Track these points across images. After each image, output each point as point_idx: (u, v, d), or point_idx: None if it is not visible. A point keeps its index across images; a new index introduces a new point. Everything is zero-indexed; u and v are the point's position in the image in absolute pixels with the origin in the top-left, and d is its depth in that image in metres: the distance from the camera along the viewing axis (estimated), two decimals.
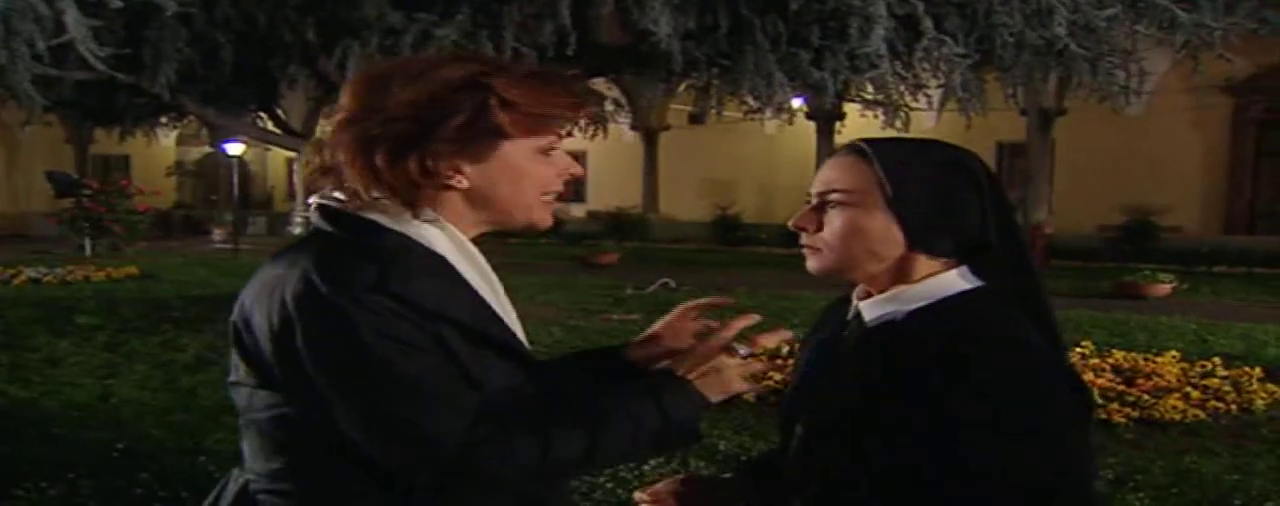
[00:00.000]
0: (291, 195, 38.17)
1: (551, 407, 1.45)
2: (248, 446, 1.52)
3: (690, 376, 1.52)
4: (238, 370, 1.49)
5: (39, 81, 9.34)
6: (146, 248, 23.71)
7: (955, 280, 1.51)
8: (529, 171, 1.51)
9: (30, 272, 16.81)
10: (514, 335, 1.51)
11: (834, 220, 1.52)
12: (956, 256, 1.52)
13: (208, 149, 35.02)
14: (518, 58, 9.78)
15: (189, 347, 9.50)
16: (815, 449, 1.54)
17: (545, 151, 1.52)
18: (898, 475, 1.41)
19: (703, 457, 5.58)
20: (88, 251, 22.38)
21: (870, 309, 1.56)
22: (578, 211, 31.41)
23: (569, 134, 1.57)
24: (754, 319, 1.64)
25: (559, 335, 10.16)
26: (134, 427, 6.40)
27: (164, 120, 15.44)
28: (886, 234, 1.49)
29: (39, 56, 8.70)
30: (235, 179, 28.54)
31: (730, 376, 1.54)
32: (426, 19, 9.47)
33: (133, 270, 17.95)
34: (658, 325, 1.75)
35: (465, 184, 1.48)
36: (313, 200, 1.52)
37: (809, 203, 1.57)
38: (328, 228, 1.48)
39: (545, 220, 1.57)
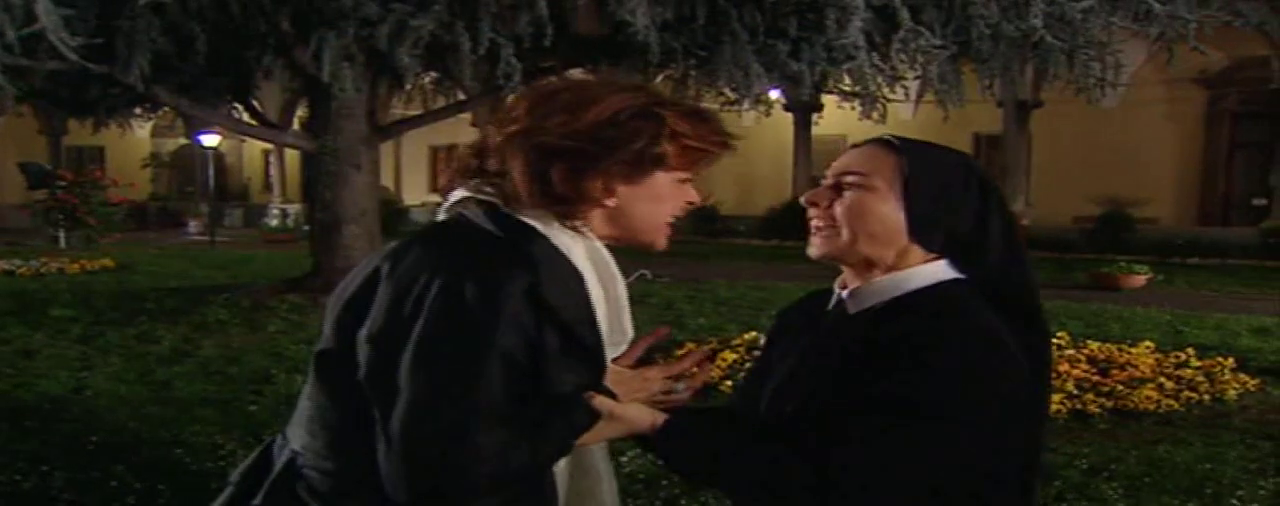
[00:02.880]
0: (268, 187, 38.04)
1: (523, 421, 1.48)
2: (306, 416, 1.58)
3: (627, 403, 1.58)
4: (329, 341, 1.55)
5: (10, 71, 9.25)
6: (122, 239, 23.55)
7: (936, 271, 1.58)
8: (666, 198, 1.62)
9: (3, 265, 16.67)
10: (602, 351, 1.58)
11: (848, 200, 1.59)
12: (945, 252, 1.58)
13: (183, 140, 34.85)
14: (494, 50, 9.77)
15: (164, 339, 9.44)
16: (787, 433, 1.56)
17: (684, 182, 1.62)
18: (849, 459, 1.45)
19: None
20: (62, 243, 22.24)
21: (853, 299, 1.62)
22: None
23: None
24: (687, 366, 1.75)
25: None
26: (109, 420, 6.36)
27: (138, 111, 15.35)
28: (893, 221, 1.56)
29: (9, 46, 8.61)
30: (210, 171, 28.36)
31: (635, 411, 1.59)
32: (403, 10, 9.44)
33: (108, 262, 17.84)
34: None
35: (613, 203, 1.57)
36: (460, 194, 1.59)
37: (824, 183, 1.64)
38: (487, 226, 1.53)
39: (662, 244, 1.67)
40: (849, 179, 1.59)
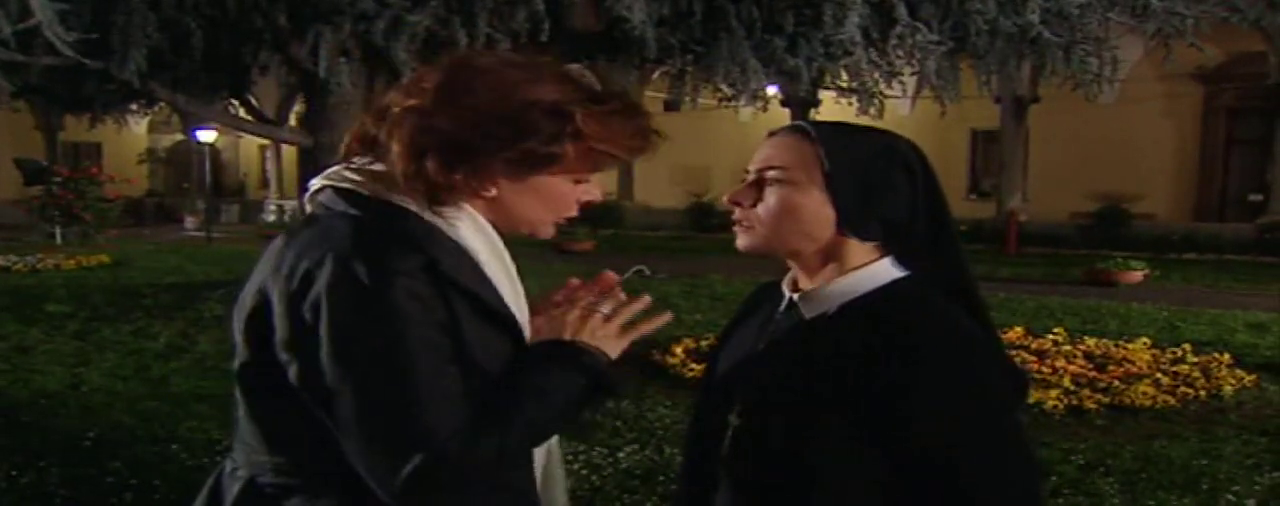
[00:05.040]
0: (265, 183, 38.01)
1: (496, 395, 1.39)
2: (251, 435, 1.46)
3: (581, 337, 1.49)
4: (246, 355, 1.44)
5: (6, 67, 9.24)
6: (118, 235, 23.53)
7: (886, 270, 1.52)
8: (556, 196, 1.50)
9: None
10: (518, 324, 1.49)
11: (770, 197, 1.53)
12: (884, 242, 1.53)
13: (180, 136, 34.84)
14: (491, 45, 9.74)
15: (161, 335, 9.43)
16: (753, 442, 1.52)
17: (579, 181, 1.51)
18: (842, 470, 1.42)
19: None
20: (58, 239, 22.19)
21: (806, 302, 1.56)
22: None
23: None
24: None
25: None
26: (105, 416, 6.35)
27: (135, 107, 15.31)
28: (820, 213, 1.50)
29: (5, 41, 8.59)
30: (207, 166, 28.34)
31: (611, 330, 1.53)
32: (399, 5, 9.42)
33: (104, 258, 17.82)
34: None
35: (493, 194, 1.46)
36: (317, 182, 1.48)
37: (746, 179, 1.57)
38: (353, 212, 1.43)
39: (546, 235, 1.57)
40: (770, 174, 1.53)
